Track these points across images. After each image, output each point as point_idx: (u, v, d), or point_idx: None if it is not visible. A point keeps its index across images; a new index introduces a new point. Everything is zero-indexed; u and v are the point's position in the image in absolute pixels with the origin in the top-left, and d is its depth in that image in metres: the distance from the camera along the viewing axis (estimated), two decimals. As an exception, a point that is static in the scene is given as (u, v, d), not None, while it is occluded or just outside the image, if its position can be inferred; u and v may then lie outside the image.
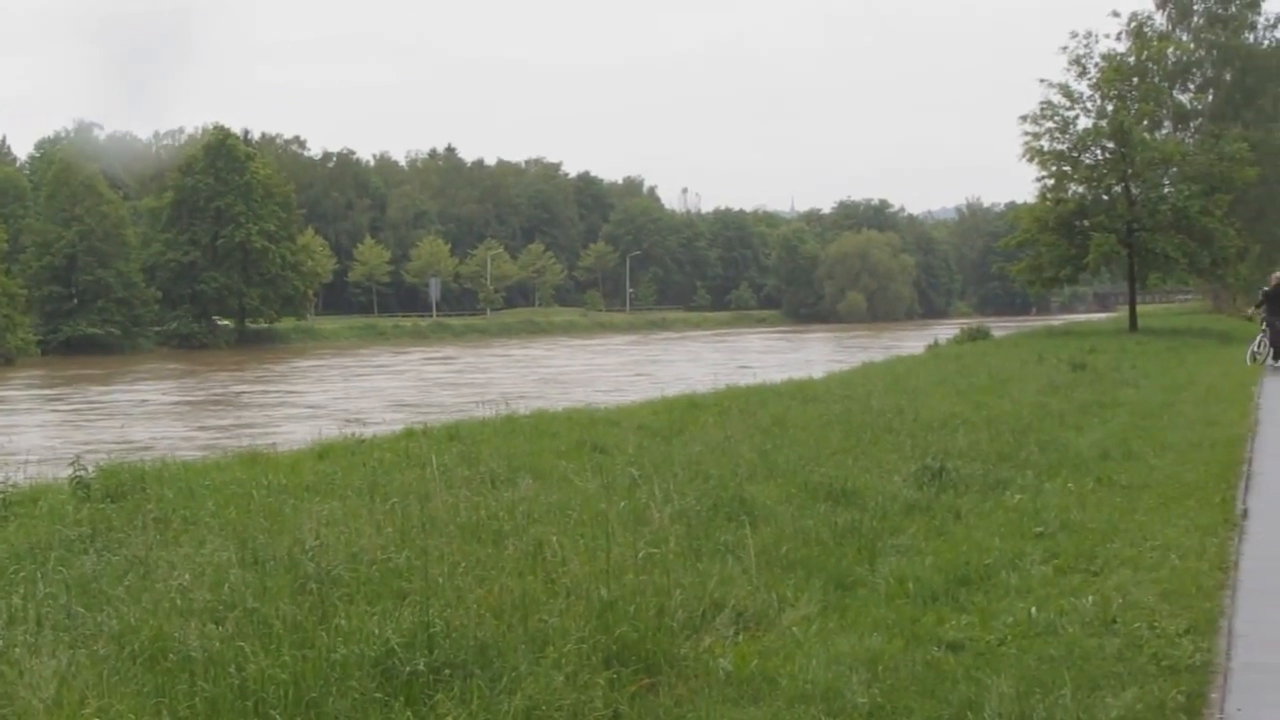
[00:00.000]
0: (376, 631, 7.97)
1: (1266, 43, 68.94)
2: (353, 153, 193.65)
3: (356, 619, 8.25)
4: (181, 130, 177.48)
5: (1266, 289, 36.83)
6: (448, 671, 7.59)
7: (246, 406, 58.68)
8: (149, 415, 53.26)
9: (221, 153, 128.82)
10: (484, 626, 8.15)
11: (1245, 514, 13.22)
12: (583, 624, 8.41)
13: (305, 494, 13.36)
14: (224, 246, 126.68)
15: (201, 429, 45.85)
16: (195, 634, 7.91)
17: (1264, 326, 35.81)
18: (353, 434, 19.74)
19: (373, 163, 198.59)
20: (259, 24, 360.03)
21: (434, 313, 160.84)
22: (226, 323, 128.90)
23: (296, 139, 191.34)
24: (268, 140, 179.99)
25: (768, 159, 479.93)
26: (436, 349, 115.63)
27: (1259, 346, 35.69)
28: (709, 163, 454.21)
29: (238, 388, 71.05)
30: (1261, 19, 69.02)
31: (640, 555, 9.67)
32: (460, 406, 38.40)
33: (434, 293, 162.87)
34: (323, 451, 17.65)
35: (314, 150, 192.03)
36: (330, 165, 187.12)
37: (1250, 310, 35.99)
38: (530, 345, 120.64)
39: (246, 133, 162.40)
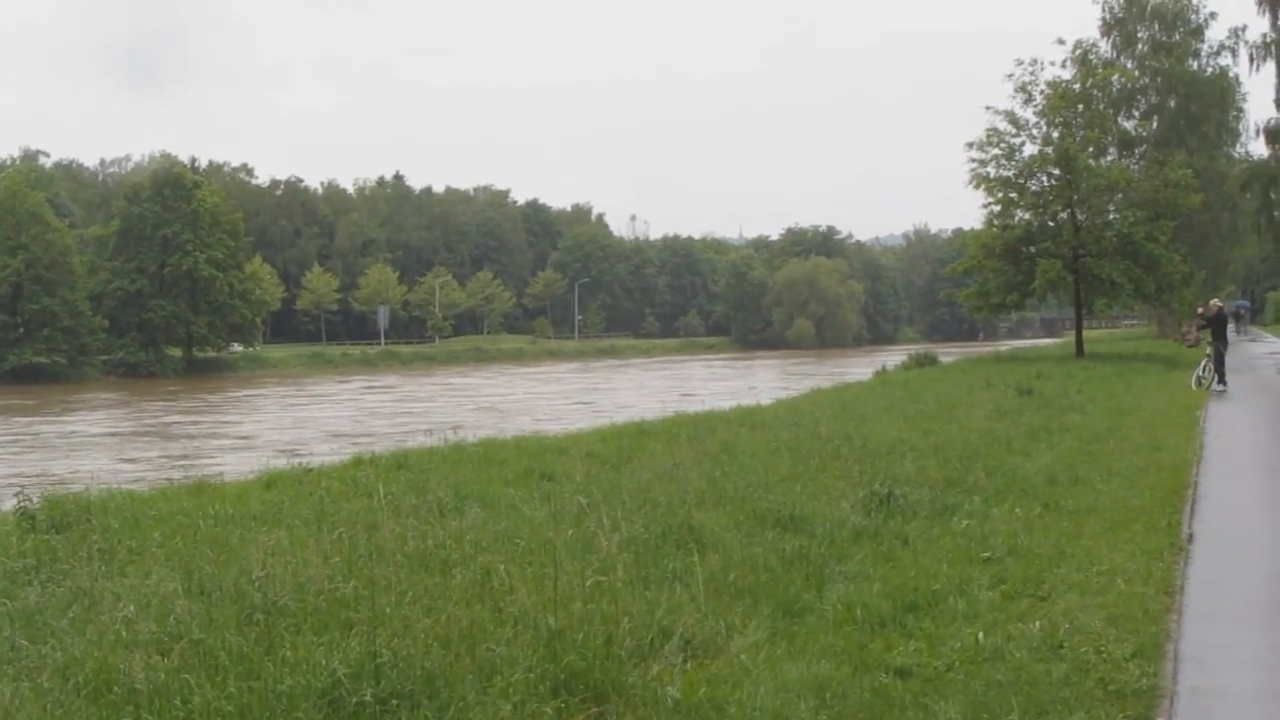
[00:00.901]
0: (323, 662, 7.94)
1: (1210, 70, 69.46)
2: (300, 180, 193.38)
3: (303, 649, 8.22)
4: (129, 158, 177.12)
5: (1206, 315, 37.30)
6: (395, 702, 7.56)
7: (175, 438, 57.87)
8: (74, 447, 52.17)
9: (169, 181, 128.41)
10: (431, 656, 8.12)
11: (1191, 538, 13.33)
12: (530, 653, 8.40)
13: (252, 524, 13.29)
14: (171, 275, 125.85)
15: (127, 461, 45.02)
16: (140, 666, 7.87)
17: (1208, 351, 36.18)
18: (300, 463, 19.67)
19: (321, 190, 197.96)
20: (208, 51, 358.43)
21: (382, 341, 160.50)
22: (174, 351, 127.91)
23: (244, 167, 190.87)
24: (215, 168, 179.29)
25: (716, 186, 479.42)
26: (380, 377, 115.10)
27: (1204, 371, 36.05)
28: (657, 190, 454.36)
29: (169, 418, 70.13)
30: (1205, 46, 69.60)
31: (588, 583, 9.66)
32: (395, 436, 38.33)
33: (382, 321, 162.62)
34: (270, 481, 17.55)
35: (261, 178, 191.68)
36: (278, 193, 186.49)
37: (1191, 333, 36.33)
38: (473, 373, 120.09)
39: (194, 160, 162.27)
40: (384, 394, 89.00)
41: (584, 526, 12.03)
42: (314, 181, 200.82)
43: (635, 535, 12.00)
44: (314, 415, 69.15)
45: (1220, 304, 40.07)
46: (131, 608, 9.18)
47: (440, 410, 66.61)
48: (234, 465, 25.02)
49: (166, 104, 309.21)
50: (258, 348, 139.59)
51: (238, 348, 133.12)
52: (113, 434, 61.10)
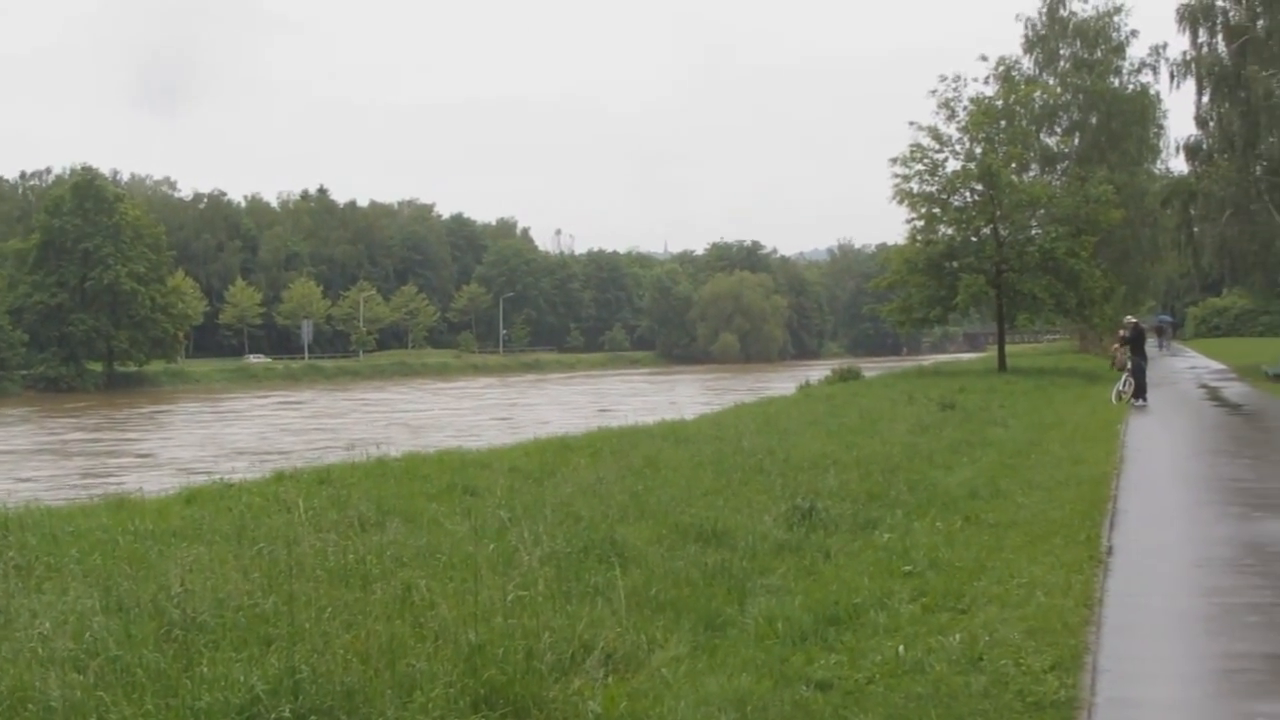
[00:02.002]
0: (241, 678, 7.88)
1: (1131, 87, 70.27)
2: (224, 194, 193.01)
3: (221, 666, 8.15)
4: (49, 170, 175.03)
5: (1124, 333, 37.77)
6: (314, 718, 7.52)
7: (72, 456, 56.94)
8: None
9: (90, 193, 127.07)
10: (351, 672, 8.08)
11: (1110, 551, 13.45)
12: (450, 668, 8.37)
13: (172, 539, 13.15)
14: (92, 288, 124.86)
15: (22, 481, 43.93)
16: (56, 683, 7.78)
17: (1128, 366, 36.54)
18: (221, 478, 19.51)
19: (244, 204, 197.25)
20: (134, 66, 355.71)
21: (306, 355, 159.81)
22: (95, 366, 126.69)
23: (166, 180, 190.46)
24: (137, 181, 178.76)
25: (641, 200, 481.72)
26: (295, 393, 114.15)
27: (1124, 385, 36.42)
28: (582, 204, 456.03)
29: (71, 435, 69.15)
30: (1126, 64, 70.47)
31: (509, 598, 9.65)
32: (301, 453, 37.99)
33: (306, 335, 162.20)
34: (190, 496, 17.35)
35: (184, 191, 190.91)
36: (201, 206, 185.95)
37: (1119, 357, 36.79)
38: (390, 388, 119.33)
39: (115, 173, 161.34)
40: (296, 410, 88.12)
41: (506, 541, 12.00)
42: (237, 195, 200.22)
43: (557, 550, 11.97)
44: (221, 432, 68.38)
45: (1135, 321, 40.67)
46: (48, 624, 9.06)
47: (352, 427, 66.03)
48: (131, 483, 24.53)
49: (88, 118, 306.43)
50: (180, 362, 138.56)
51: (160, 362, 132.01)
52: (9, 451, 60.19)
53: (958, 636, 9.75)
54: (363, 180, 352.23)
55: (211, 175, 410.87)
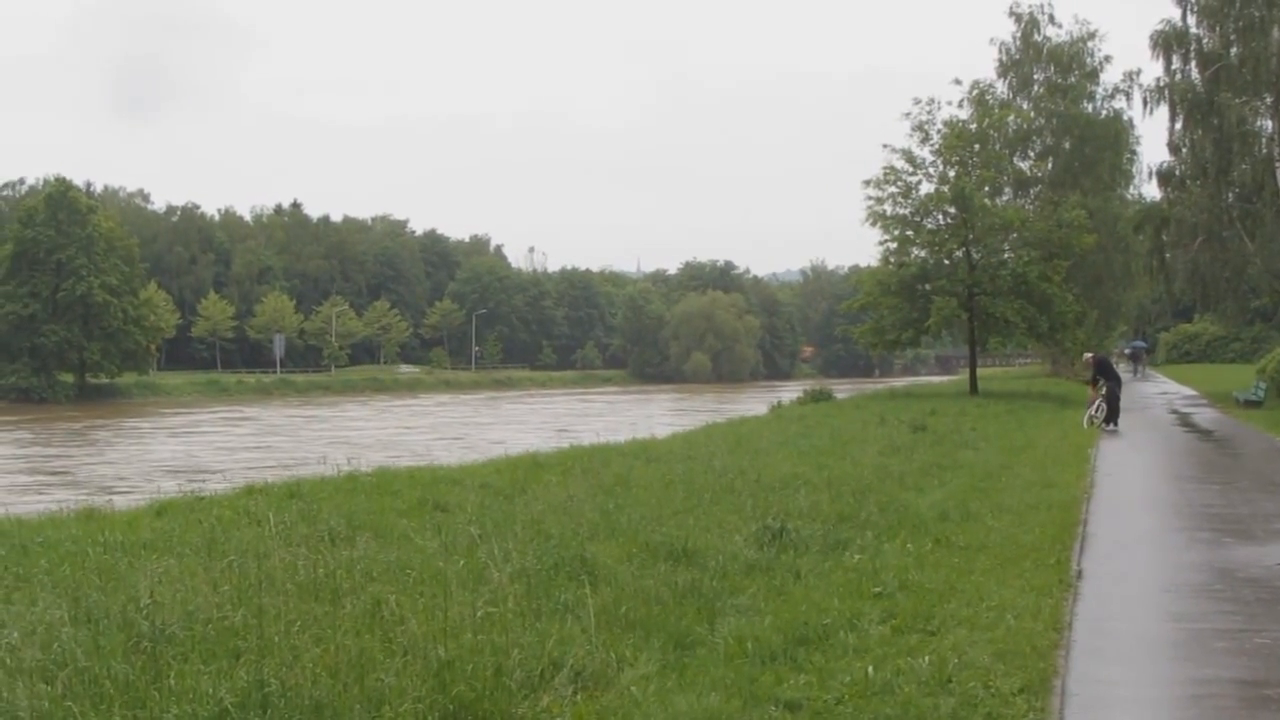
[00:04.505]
0: (210, 691, 7.88)
1: (1104, 112, 70.52)
2: (197, 207, 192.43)
3: (190, 678, 8.15)
4: (22, 181, 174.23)
5: (1093, 371, 38.14)
6: (282, 732, 7.51)
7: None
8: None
9: (63, 205, 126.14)
10: (319, 686, 8.07)
11: (1080, 575, 13.50)
12: (419, 683, 8.37)
13: (142, 551, 13.16)
14: (65, 299, 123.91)
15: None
16: (24, 694, 7.78)
17: (1102, 390, 36.68)
18: (193, 490, 19.48)
19: (217, 217, 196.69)
20: (107, 78, 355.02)
21: (278, 369, 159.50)
22: (67, 377, 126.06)
23: (140, 192, 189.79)
24: (110, 193, 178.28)
25: (614, 219, 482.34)
26: (246, 407, 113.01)
27: (1095, 410, 36.53)
28: (556, 222, 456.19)
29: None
30: (1100, 89, 70.68)
31: (479, 614, 9.65)
32: (229, 473, 37.70)
33: (278, 349, 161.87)
34: (161, 508, 17.35)
35: (158, 204, 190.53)
36: (174, 219, 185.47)
37: (1096, 400, 37.04)
38: (345, 405, 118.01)
39: (89, 185, 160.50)
40: (238, 427, 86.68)
41: (476, 557, 12.01)
42: (210, 208, 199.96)
43: (527, 567, 11.97)
44: (155, 448, 67.11)
45: (1091, 355, 41.13)
46: (16, 635, 9.07)
47: (295, 446, 64.66)
48: (24, 507, 23.92)
49: (61, 129, 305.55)
50: (152, 374, 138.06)
51: (132, 375, 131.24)
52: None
53: (927, 658, 9.77)
54: (336, 195, 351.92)
55: (185, 188, 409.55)
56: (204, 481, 24.18)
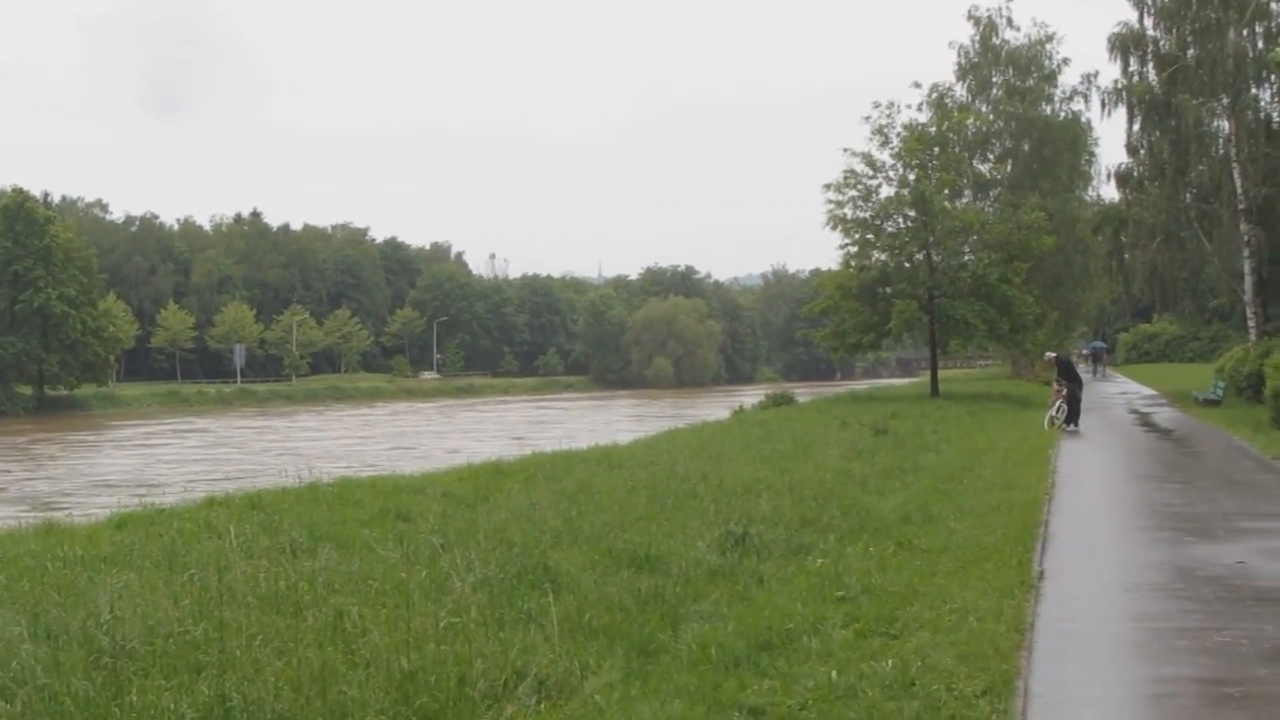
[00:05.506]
0: (172, 706, 7.86)
1: (1063, 114, 70.64)
2: (156, 217, 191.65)
3: (151, 694, 8.12)
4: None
5: (1058, 372, 38.41)
6: (243, 746, 7.48)
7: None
8: None
9: (20, 215, 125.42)
10: (282, 699, 8.05)
11: (1042, 575, 13.55)
12: (382, 695, 8.36)
13: (102, 566, 13.07)
14: (23, 311, 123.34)
15: None
16: (-18, 713, 7.72)
17: (1062, 391, 36.84)
18: (153, 503, 19.37)
19: (176, 227, 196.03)
20: (57, 83, 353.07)
21: (238, 379, 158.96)
22: (25, 389, 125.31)
23: (98, 202, 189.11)
24: (68, 203, 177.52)
25: (575, 225, 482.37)
26: (194, 419, 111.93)
27: (1056, 411, 36.67)
28: (516, 229, 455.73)
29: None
30: (1058, 91, 70.76)
31: (441, 625, 9.64)
32: (171, 487, 37.40)
33: (238, 359, 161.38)
34: (121, 521, 17.24)
35: (116, 214, 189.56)
36: (133, 229, 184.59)
37: (1059, 399, 37.19)
38: (297, 417, 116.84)
39: (46, 195, 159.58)
40: (192, 438, 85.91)
41: (438, 567, 12.00)
42: (170, 218, 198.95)
43: (490, 576, 11.96)
44: (99, 462, 66.35)
45: (1054, 355, 41.40)
46: (-26, 653, 9.00)
47: (242, 458, 64.29)
48: None
49: (20, 138, 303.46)
50: (111, 386, 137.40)
51: (91, 386, 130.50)
52: None
53: (890, 662, 9.79)
54: (297, 203, 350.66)
55: (143, 198, 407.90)
56: (144, 496, 23.85)
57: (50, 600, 10.90)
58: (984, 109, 70.09)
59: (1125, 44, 53.97)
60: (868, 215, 54.52)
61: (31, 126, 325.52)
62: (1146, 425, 39.41)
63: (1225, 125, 51.70)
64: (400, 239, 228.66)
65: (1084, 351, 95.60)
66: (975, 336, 55.40)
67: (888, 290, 54.37)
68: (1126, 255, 61.62)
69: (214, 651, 8.87)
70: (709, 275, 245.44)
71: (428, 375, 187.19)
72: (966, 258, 55.51)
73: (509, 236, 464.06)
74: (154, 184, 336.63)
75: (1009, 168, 70.87)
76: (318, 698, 8.24)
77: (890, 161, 54.68)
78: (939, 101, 60.93)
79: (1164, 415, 43.61)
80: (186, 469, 57.92)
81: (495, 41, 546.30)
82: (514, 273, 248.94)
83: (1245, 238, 49.87)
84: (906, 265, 54.81)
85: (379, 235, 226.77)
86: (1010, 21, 71.13)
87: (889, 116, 54.76)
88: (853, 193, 54.19)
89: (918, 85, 64.50)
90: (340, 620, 10.05)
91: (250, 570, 11.47)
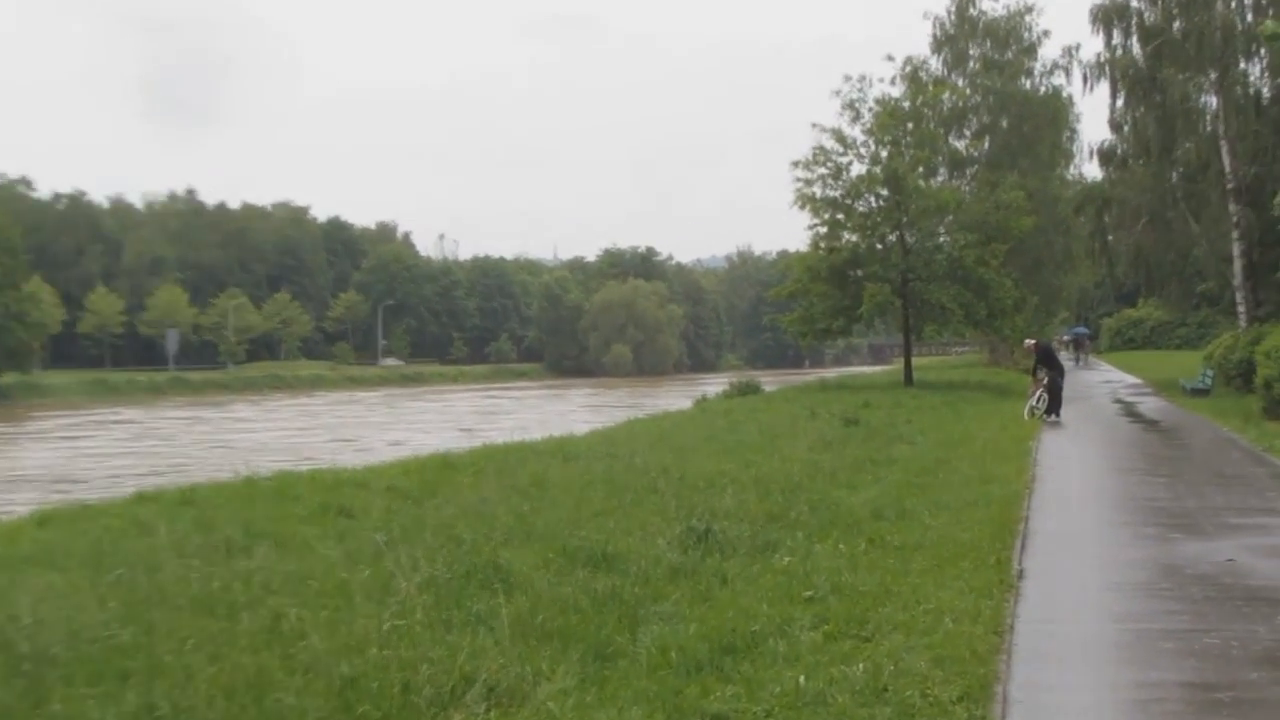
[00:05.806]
0: (97, 716, 7.82)
1: (1043, 89, 70.85)
2: (84, 194, 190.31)
3: (75, 702, 8.07)
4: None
5: (1035, 359, 38.42)
6: (172, 757, 7.42)
7: None
8: None
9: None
10: (215, 707, 8.01)
11: (1021, 574, 13.53)
12: (322, 703, 8.31)
13: (23, 565, 12.95)
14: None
15: None
16: (-111, 725, 7.64)
17: (1043, 380, 36.92)
18: (77, 499, 19.26)
19: (106, 205, 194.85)
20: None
21: (171, 366, 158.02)
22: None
23: (23, 179, 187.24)
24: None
25: (529, 204, 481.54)
26: (122, 409, 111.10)
27: (1036, 401, 36.75)
28: (467, 208, 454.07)
29: None
30: (1038, 65, 70.98)
31: (385, 627, 9.60)
32: (94, 482, 37.23)
33: (171, 345, 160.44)
34: (44, 519, 17.10)
35: (42, 191, 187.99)
36: (60, 207, 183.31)
37: (1038, 388, 37.26)
38: (231, 407, 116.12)
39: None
40: (120, 430, 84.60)
41: (382, 566, 11.95)
42: (99, 196, 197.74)
43: (437, 575, 11.91)
44: (14, 456, 65.40)
45: (1033, 342, 41.35)
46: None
47: (171, 451, 63.91)
48: None
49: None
50: (35, 374, 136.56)
51: (13, 374, 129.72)
52: None
53: (861, 666, 9.76)
54: (233, 181, 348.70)
55: (70, 174, 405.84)
56: (66, 493, 23.69)
57: (-35, 604, 10.80)
58: (960, 83, 70.14)
59: (1108, 15, 54.08)
60: (838, 194, 54.49)
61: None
62: (1131, 415, 39.54)
63: (1213, 101, 51.85)
64: (344, 218, 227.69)
65: (1065, 338, 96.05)
66: (951, 322, 55.40)
67: (859, 273, 54.35)
68: (1110, 237, 61.87)
69: (142, 657, 8.82)
70: (670, 257, 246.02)
71: (391, 362, 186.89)
72: (942, 239, 55.52)
73: (459, 216, 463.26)
74: (83, 158, 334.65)
75: (986, 145, 70.97)
76: (253, 705, 8.20)
77: (862, 138, 54.63)
78: (913, 75, 61.26)
79: (1150, 405, 43.78)
80: (111, 463, 57.26)
81: (443, 4, 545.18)
82: (464, 254, 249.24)
83: (1234, 219, 50.02)
84: (879, 247, 54.87)
85: (321, 214, 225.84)
86: (988, -9, 71.34)
87: (861, 90, 54.74)
88: (822, 170, 54.16)
89: (891, 58, 64.93)
90: (277, 623, 10.00)
91: (182, 570, 11.42)
